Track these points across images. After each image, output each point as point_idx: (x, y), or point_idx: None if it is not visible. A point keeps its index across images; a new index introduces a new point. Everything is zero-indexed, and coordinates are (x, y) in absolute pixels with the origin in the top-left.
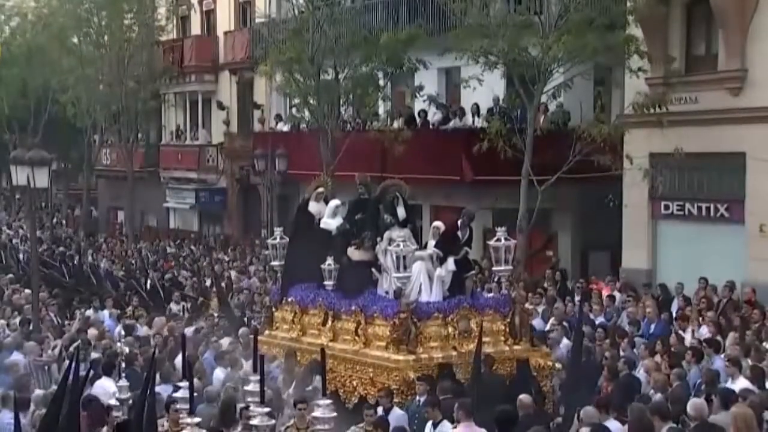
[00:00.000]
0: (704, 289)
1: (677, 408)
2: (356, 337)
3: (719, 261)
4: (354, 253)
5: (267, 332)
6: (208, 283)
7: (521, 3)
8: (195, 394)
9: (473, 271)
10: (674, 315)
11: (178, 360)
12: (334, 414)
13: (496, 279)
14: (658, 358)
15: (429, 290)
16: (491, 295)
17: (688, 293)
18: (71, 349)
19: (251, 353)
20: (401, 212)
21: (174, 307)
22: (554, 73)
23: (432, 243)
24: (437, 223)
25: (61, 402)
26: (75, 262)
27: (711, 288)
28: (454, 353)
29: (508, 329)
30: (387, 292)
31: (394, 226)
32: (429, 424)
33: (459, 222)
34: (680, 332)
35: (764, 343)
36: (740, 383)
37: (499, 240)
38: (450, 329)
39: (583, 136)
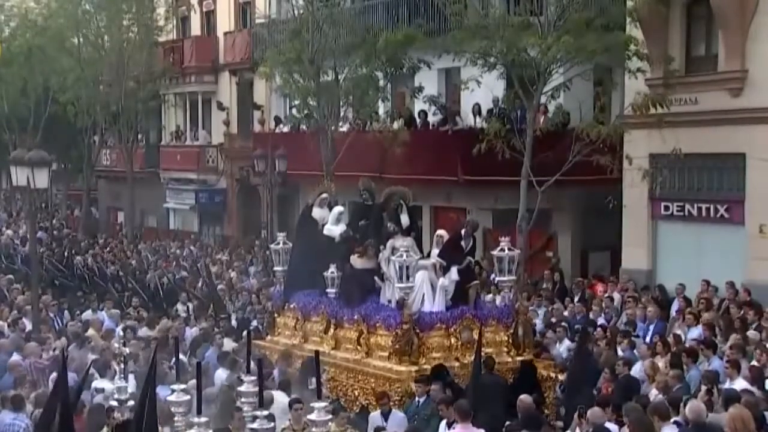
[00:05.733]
0: (706, 290)
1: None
2: (358, 347)
3: (719, 261)
4: (357, 261)
5: (269, 337)
6: (200, 283)
7: (519, 4)
8: (189, 396)
9: (476, 281)
10: (674, 316)
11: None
12: (330, 416)
13: (495, 282)
14: (658, 358)
15: (432, 300)
16: (490, 296)
17: (688, 294)
18: (67, 351)
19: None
20: (404, 220)
21: (180, 307)
22: (553, 73)
23: (435, 252)
24: (440, 232)
25: (55, 406)
26: (81, 263)
27: (713, 289)
28: (457, 364)
29: (511, 340)
30: (389, 301)
31: (397, 234)
32: (443, 423)
33: (462, 231)
34: (678, 333)
35: (765, 343)
36: (739, 384)
37: (502, 250)
38: (453, 340)
39: (583, 137)
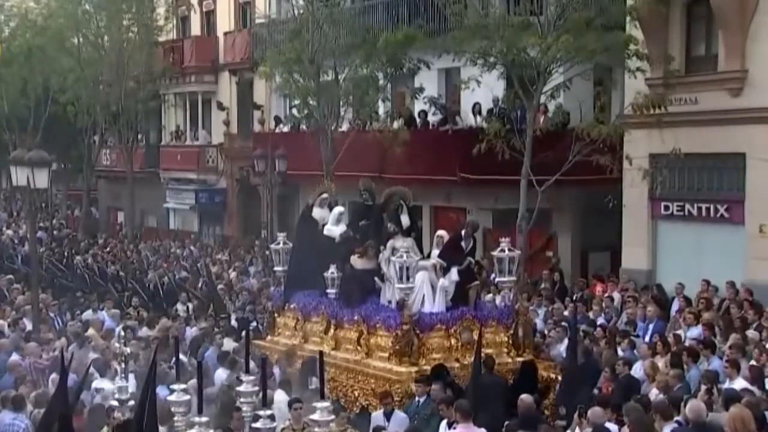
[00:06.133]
0: (706, 290)
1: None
2: (358, 347)
3: (719, 261)
4: (357, 262)
5: (269, 337)
6: (200, 283)
7: (519, 4)
8: (188, 396)
9: (476, 282)
10: (674, 315)
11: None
12: (332, 416)
13: (495, 282)
14: (658, 358)
15: (432, 301)
16: (489, 297)
17: (688, 294)
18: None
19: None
20: (405, 220)
21: (180, 307)
22: (553, 73)
23: (435, 253)
24: (440, 233)
25: (57, 408)
26: (81, 264)
27: (713, 289)
28: (457, 365)
29: (511, 340)
30: (389, 302)
31: (397, 235)
32: (444, 423)
33: (462, 232)
34: (678, 332)
35: (765, 343)
36: (739, 384)
37: (502, 251)
38: (453, 341)
39: (583, 137)
